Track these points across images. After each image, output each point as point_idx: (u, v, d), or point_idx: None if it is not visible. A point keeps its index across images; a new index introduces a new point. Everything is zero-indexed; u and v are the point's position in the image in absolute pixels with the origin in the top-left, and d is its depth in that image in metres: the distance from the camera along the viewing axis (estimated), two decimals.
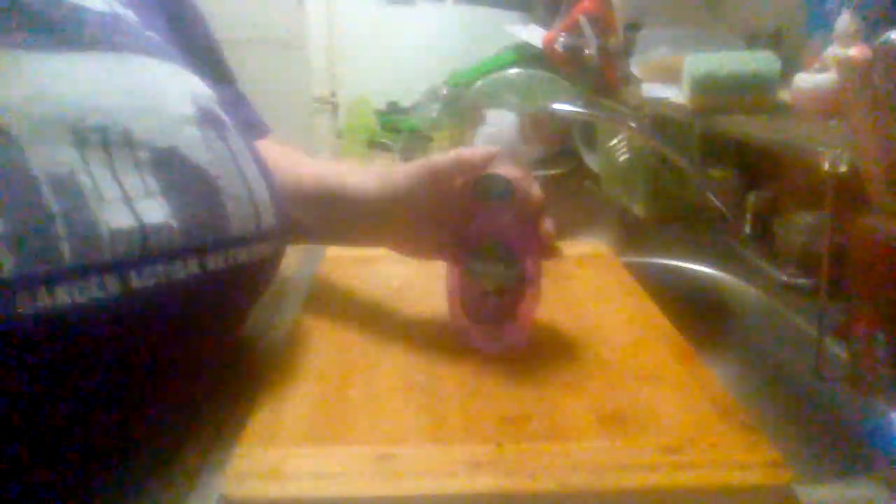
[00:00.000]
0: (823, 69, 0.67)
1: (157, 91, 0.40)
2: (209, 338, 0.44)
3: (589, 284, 0.66)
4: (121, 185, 0.36)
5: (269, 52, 2.13)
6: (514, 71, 1.37)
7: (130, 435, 0.40)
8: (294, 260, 0.74)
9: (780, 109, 0.76)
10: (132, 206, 0.36)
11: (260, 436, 0.41)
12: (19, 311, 0.31)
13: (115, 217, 0.35)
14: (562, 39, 1.24)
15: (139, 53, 0.41)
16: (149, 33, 0.44)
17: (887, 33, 0.43)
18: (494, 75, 1.38)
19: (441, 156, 0.53)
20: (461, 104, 1.41)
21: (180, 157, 0.39)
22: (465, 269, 0.51)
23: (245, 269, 0.42)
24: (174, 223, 0.37)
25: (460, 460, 0.38)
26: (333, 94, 1.93)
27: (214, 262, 0.40)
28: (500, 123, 0.48)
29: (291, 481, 0.37)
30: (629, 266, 0.71)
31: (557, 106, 1.00)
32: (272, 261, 0.46)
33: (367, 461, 0.38)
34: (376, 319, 0.57)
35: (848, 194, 0.52)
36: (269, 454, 0.39)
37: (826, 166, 0.53)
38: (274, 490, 0.36)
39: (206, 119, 0.42)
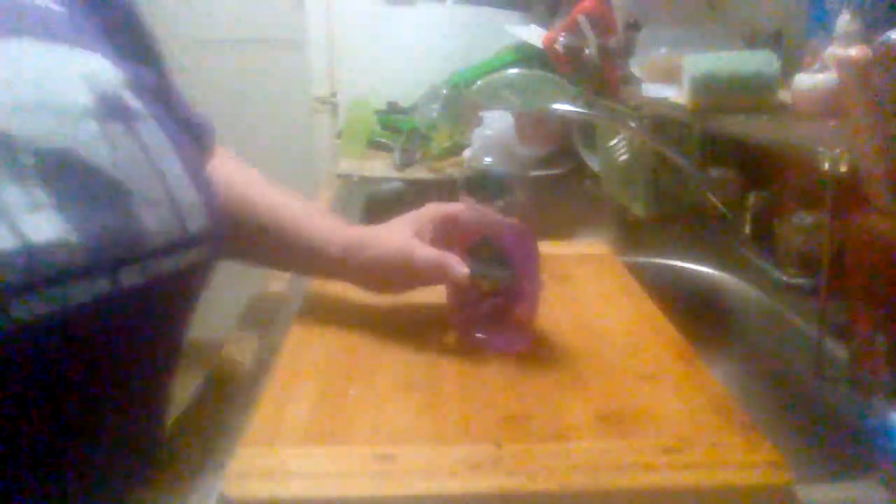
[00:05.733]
0: (823, 69, 0.67)
1: (42, 81, 0.34)
2: (138, 355, 0.39)
3: (589, 284, 0.66)
4: None
5: (269, 52, 2.13)
6: (514, 71, 1.37)
7: (60, 462, 0.36)
8: None
9: (780, 109, 0.76)
10: (13, 223, 0.30)
11: (260, 436, 0.41)
12: None
13: None
14: (562, 39, 1.24)
15: (21, 35, 0.35)
16: (41, 4, 0.38)
17: (887, 33, 0.43)
18: (494, 75, 1.38)
19: (425, 256, 0.52)
20: (461, 104, 1.41)
21: (74, 158, 0.33)
22: None
23: (172, 279, 0.37)
24: (74, 238, 0.32)
25: (460, 460, 0.38)
26: (333, 94, 1.93)
27: (130, 278, 0.35)
28: (497, 126, 0.48)
29: (291, 481, 0.37)
30: (629, 266, 0.71)
31: (557, 106, 1.00)
32: (205, 265, 0.41)
33: (367, 461, 0.38)
34: (376, 319, 0.57)
35: (848, 194, 0.52)
36: (269, 454, 0.39)
37: (826, 166, 0.53)
38: (274, 490, 0.36)
39: (109, 110, 0.36)
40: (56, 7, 0.39)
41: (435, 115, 1.46)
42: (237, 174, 0.58)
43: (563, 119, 1.26)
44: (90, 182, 0.34)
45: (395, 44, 1.87)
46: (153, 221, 0.36)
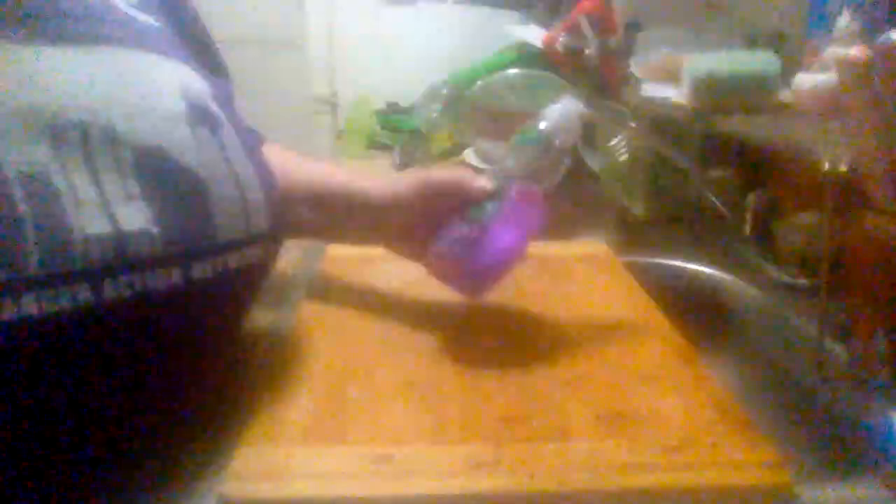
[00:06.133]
0: (823, 69, 0.67)
1: (144, 86, 0.38)
2: (200, 346, 0.42)
3: (589, 284, 0.66)
4: (99, 187, 0.34)
5: (269, 52, 2.13)
6: (514, 71, 1.37)
7: (124, 439, 0.39)
8: (294, 260, 0.74)
9: (780, 109, 0.76)
10: (110, 211, 0.34)
11: (260, 436, 0.41)
12: None
13: (90, 222, 0.33)
14: (562, 39, 1.24)
15: (127, 46, 0.39)
16: (143, 18, 0.42)
17: (887, 33, 0.43)
18: (494, 75, 1.38)
19: (444, 172, 0.56)
20: (461, 104, 1.41)
21: (167, 157, 0.37)
22: None
23: (234, 276, 0.40)
24: (155, 229, 0.35)
25: (460, 460, 0.38)
26: (333, 94, 1.93)
27: (200, 271, 0.38)
28: (568, 106, 0.51)
29: (291, 481, 0.37)
30: (629, 266, 0.71)
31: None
32: (263, 265, 0.45)
33: (367, 461, 0.38)
34: (376, 319, 0.57)
35: (848, 194, 0.52)
36: (269, 454, 0.39)
37: (826, 166, 0.53)
38: (274, 490, 0.36)
39: (198, 116, 0.40)
40: (154, 22, 0.43)
41: (435, 115, 1.46)
42: (288, 159, 0.61)
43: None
44: (177, 179, 0.37)
45: (395, 44, 1.87)
46: (225, 220, 0.39)
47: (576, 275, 0.68)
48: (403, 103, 1.67)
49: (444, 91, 1.49)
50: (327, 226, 0.62)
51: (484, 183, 0.53)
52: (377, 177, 0.60)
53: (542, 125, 0.52)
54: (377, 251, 0.61)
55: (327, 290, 0.64)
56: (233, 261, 0.40)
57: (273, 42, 2.12)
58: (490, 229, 0.51)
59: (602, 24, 1.19)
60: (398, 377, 0.48)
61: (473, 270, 0.52)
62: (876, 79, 0.44)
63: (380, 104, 1.68)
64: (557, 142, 0.51)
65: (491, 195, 0.52)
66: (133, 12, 0.42)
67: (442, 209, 0.55)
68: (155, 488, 0.39)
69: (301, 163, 0.61)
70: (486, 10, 1.83)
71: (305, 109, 1.96)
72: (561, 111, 0.52)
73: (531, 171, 0.51)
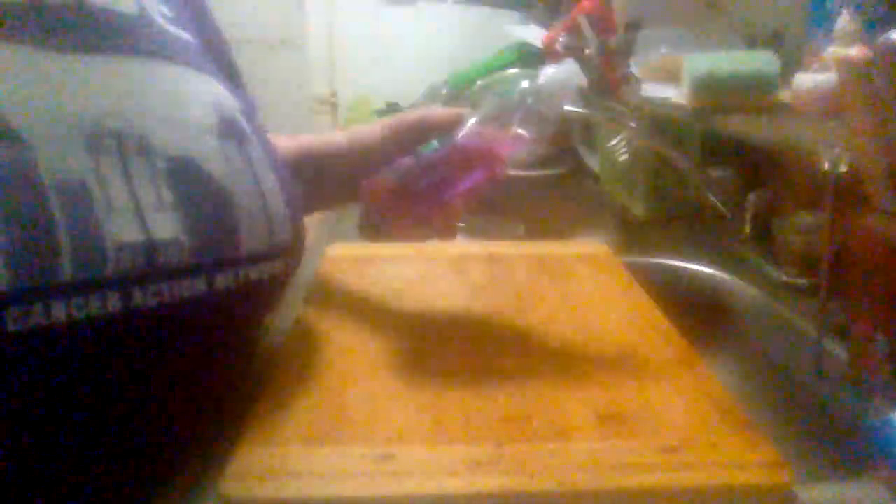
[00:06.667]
0: (823, 69, 0.67)
1: (177, 99, 0.39)
2: (217, 354, 0.43)
3: (589, 284, 0.66)
4: (134, 194, 0.34)
5: (269, 52, 2.13)
6: (514, 71, 1.37)
7: (129, 438, 0.39)
8: None
9: (780, 109, 0.76)
10: (143, 220, 0.34)
11: (260, 436, 0.41)
12: (9, 329, 0.30)
13: (123, 230, 0.33)
14: (562, 39, 1.24)
15: (163, 59, 0.40)
16: (178, 34, 0.43)
17: (887, 33, 0.43)
18: (494, 75, 1.38)
19: (409, 113, 0.56)
20: (461, 104, 1.41)
21: (196, 168, 0.37)
22: None
23: (254, 287, 0.41)
24: (185, 239, 0.36)
25: (460, 460, 0.38)
26: (333, 94, 1.94)
27: (223, 281, 0.38)
28: (558, 74, 0.49)
29: (291, 481, 0.37)
30: (629, 266, 0.71)
31: None
32: (283, 277, 0.45)
33: (367, 461, 0.38)
34: (376, 319, 0.57)
35: (848, 194, 0.52)
36: (269, 454, 0.39)
37: (826, 166, 0.53)
38: (274, 490, 0.36)
39: (227, 129, 0.41)
40: (188, 38, 0.44)
41: None
42: None
43: (564, 118, 1.26)
44: (204, 190, 0.38)
45: (395, 44, 1.87)
46: (248, 232, 0.40)
47: (576, 275, 0.68)
48: (403, 103, 1.67)
49: (444, 91, 1.49)
50: (324, 187, 0.62)
51: (450, 112, 0.53)
52: (345, 131, 0.62)
53: (526, 83, 0.50)
54: (377, 251, 0.61)
55: (327, 290, 0.64)
56: (254, 272, 0.40)
57: (273, 42, 2.12)
58: (427, 161, 0.49)
59: (602, 24, 1.19)
60: (398, 377, 0.48)
61: (420, 215, 0.50)
62: (876, 79, 0.44)
63: (380, 104, 1.69)
64: (532, 100, 0.49)
65: (448, 129, 0.51)
66: (169, 27, 0.43)
67: (410, 150, 0.53)
68: (155, 488, 0.39)
69: (283, 139, 0.62)
70: (486, 10, 1.83)
71: (305, 109, 1.96)
72: (551, 74, 0.50)
73: (498, 122, 0.50)
